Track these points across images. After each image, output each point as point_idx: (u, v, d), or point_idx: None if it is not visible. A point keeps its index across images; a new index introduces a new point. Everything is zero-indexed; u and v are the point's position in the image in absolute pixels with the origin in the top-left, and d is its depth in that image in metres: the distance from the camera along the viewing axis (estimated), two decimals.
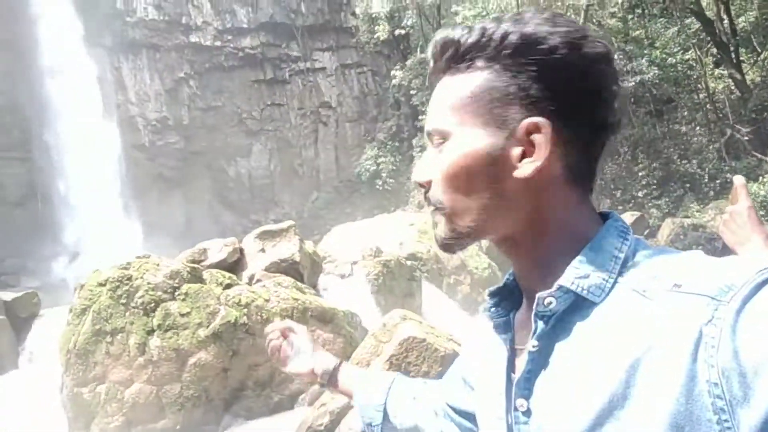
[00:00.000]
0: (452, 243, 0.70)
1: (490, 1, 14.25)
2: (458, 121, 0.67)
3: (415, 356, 5.49)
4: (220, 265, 7.75)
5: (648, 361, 0.54)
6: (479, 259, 11.94)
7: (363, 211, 22.17)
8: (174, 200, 25.53)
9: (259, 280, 7.64)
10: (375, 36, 21.62)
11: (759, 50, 14.80)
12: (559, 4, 12.96)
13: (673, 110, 15.82)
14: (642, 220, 13.64)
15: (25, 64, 21.58)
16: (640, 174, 15.17)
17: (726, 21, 14.58)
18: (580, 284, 0.62)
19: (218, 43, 24.70)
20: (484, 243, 11.81)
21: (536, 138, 0.64)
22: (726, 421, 0.51)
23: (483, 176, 0.66)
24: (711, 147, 14.36)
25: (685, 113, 15.51)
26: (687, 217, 12.99)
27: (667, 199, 14.22)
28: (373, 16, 20.95)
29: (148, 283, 6.32)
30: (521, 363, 0.66)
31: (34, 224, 21.82)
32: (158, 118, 24.78)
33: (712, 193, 13.50)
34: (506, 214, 0.67)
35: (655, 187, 14.75)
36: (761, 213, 11.78)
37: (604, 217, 0.69)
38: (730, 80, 14.27)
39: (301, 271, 8.18)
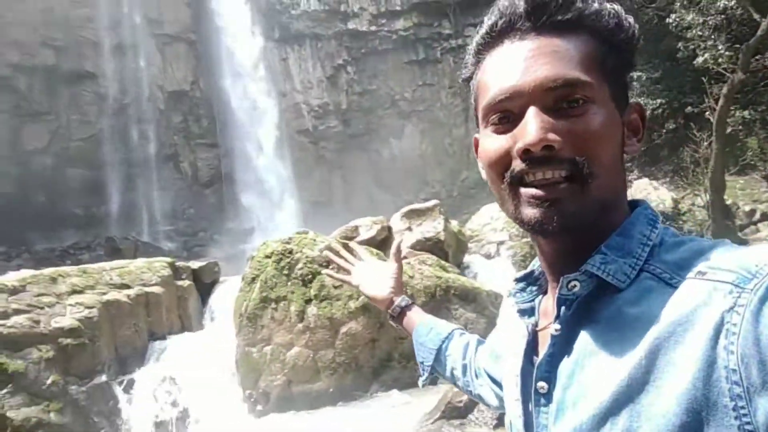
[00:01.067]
0: (583, 217, 0.63)
1: None
2: (596, 81, 0.64)
3: None
4: (370, 242, 8.16)
5: (668, 347, 0.55)
6: None
7: None
8: (334, 181, 27.32)
9: (405, 257, 7.90)
10: None
11: None
12: None
13: None
14: None
15: (211, 62, 24.57)
16: None
17: None
18: (605, 269, 0.61)
19: (373, 28, 25.59)
20: None
21: (636, 118, 0.67)
22: (743, 408, 0.51)
23: (619, 146, 0.66)
24: None
25: None
26: None
27: None
28: None
29: (306, 257, 6.90)
30: (544, 346, 0.67)
31: (220, 203, 24.99)
32: (320, 104, 26.57)
33: None
34: (618, 190, 0.67)
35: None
36: None
37: (634, 205, 0.69)
38: None
39: (446, 249, 8.27)
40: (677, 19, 13.75)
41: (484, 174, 0.73)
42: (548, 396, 0.65)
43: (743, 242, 11.44)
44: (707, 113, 11.73)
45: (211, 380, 6.36)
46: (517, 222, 0.67)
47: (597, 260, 0.62)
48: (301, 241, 7.25)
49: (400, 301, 1.21)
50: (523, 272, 0.77)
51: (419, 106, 26.75)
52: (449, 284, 6.79)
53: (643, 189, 13.19)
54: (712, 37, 12.74)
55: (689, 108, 16.09)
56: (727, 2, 11.77)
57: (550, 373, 0.65)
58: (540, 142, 0.62)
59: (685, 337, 0.54)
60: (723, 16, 12.56)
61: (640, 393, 0.55)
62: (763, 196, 13.49)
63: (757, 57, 10.77)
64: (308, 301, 6.75)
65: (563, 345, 0.64)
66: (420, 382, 1.18)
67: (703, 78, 12.98)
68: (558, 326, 0.65)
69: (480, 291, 6.83)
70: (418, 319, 1.19)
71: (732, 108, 11.57)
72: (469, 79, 0.75)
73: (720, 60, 11.00)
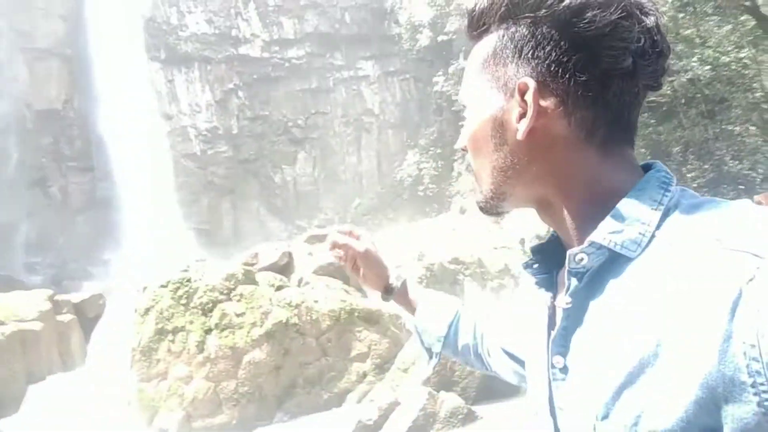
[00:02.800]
0: (483, 206, 0.72)
1: None
2: (473, 87, 0.70)
3: None
4: (271, 268, 8.10)
5: (683, 319, 0.52)
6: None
7: (405, 216, 22.37)
8: (223, 207, 26.46)
9: (307, 283, 7.95)
10: (418, 43, 21.85)
11: None
12: None
13: (726, 110, 15.30)
14: None
15: (88, 81, 22.91)
16: (689, 176, 14.75)
17: None
18: (614, 239, 0.59)
19: (266, 54, 25.54)
20: (529, 244, 11.64)
21: (527, 97, 0.63)
22: (762, 384, 0.48)
23: (491, 139, 0.67)
24: (765, 148, 13.83)
25: (739, 113, 14.96)
26: None
27: None
28: (416, 23, 21.17)
29: (206, 285, 6.70)
30: (559, 320, 0.66)
31: (95, 230, 23.06)
32: (209, 128, 25.79)
33: None
34: (521, 176, 0.66)
35: (706, 189, 14.31)
36: None
37: (647, 168, 0.65)
38: None
39: (348, 274, 8.44)
40: None
41: None
42: (564, 370, 0.64)
43: None
44: None
45: (101, 423, 5.89)
46: None
47: (603, 231, 0.60)
48: (200, 269, 7.03)
49: (395, 280, 1.13)
50: (539, 243, 0.75)
51: (312, 134, 26.97)
52: (353, 307, 6.95)
53: (523, 213, 14.40)
54: None
55: None
56: None
57: (564, 347, 0.64)
58: (456, 147, 0.75)
59: (700, 309, 0.51)
60: None
61: (654, 366, 0.53)
62: None
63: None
64: (208, 331, 6.55)
65: (577, 318, 0.63)
66: (429, 367, 1.16)
67: None
68: (569, 299, 0.63)
69: (382, 313, 7.06)
70: (417, 301, 1.12)
71: None
72: None
73: None
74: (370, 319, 7.00)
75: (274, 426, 6.35)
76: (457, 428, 4.80)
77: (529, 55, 0.64)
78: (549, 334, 0.68)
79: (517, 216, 14.59)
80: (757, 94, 14.90)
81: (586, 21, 0.61)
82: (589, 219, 0.63)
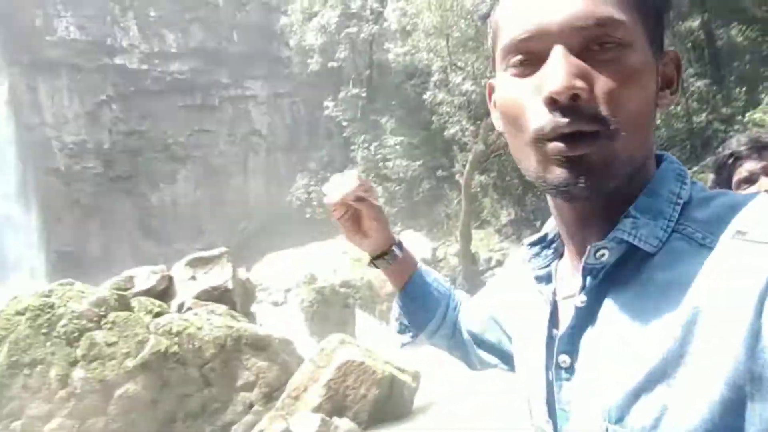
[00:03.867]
0: (613, 177, 0.55)
1: (421, 39, 14.94)
2: (636, 24, 0.56)
3: (353, 380, 5.59)
4: (148, 293, 7.50)
5: (707, 316, 0.49)
6: None
7: (294, 240, 21.98)
8: (90, 228, 24.18)
9: (189, 308, 7.46)
10: (308, 68, 21.94)
11: None
12: (487, 47, 13.81)
13: None
14: None
15: None
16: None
17: None
18: (636, 234, 0.56)
19: (145, 67, 24.10)
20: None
21: (672, 69, 0.60)
22: None
23: (652, 99, 0.58)
24: None
25: None
26: None
27: None
28: (306, 48, 21.29)
29: (72, 312, 6.02)
30: (565, 317, 0.62)
31: None
32: (76, 141, 23.62)
33: None
34: (649, 149, 0.60)
35: None
36: None
37: (658, 159, 0.62)
38: None
39: (234, 299, 8.06)
40: (431, 96, 16.23)
41: (499, 126, 0.64)
42: (570, 370, 0.61)
43: (485, 284, 13.68)
44: (457, 176, 13.92)
45: None
46: (539, 182, 0.58)
47: (628, 225, 0.56)
48: (65, 294, 6.31)
49: (398, 248, 0.99)
50: (536, 235, 0.71)
51: (195, 152, 25.75)
52: (241, 333, 6.63)
53: (410, 238, 14.83)
54: (457, 113, 15.36)
55: (440, 171, 18.87)
56: (468, 87, 14.37)
57: (572, 346, 0.60)
58: (567, 89, 0.52)
59: (725, 304, 0.49)
60: (464, 97, 15.29)
61: (676, 366, 0.50)
62: (496, 246, 16.33)
63: (491, 132, 13.31)
64: (74, 363, 5.86)
65: (588, 316, 0.59)
66: (400, 344, 1.05)
67: (452, 146, 15.46)
68: (584, 298, 0.59)
69: (271, 339, 6.81)
70: (409, 272, 1.01)
71: (475, 173, 13.92)
72: (486, 16, 0.65)
73: (466, 132, 13.27)
74: (259, 345, 6.71)
75: None
76: None
77: (664, 19, 0.61)
78: (550, 331, 0.64)
79: (403, 241, 14.97)
80: None
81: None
82: (618, 209, 0.58)
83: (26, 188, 21.75)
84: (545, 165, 0.56)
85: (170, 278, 8.23)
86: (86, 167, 23.96)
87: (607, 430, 0.55)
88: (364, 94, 21.72)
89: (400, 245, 1.00)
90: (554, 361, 0.62)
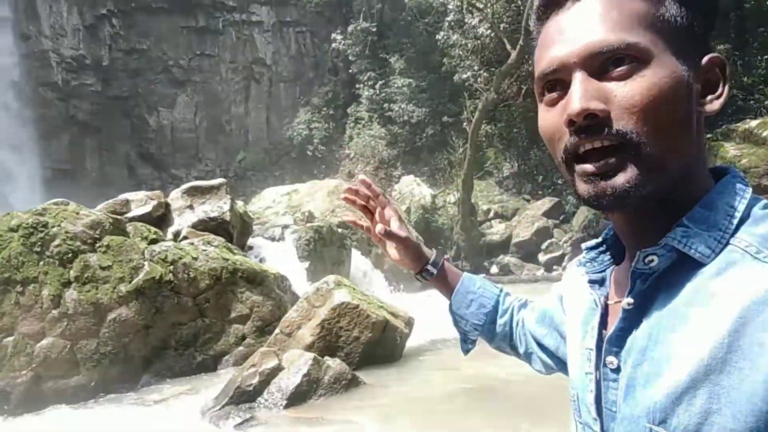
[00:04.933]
0: (640, 190, 0.59)
1: None
2: (655, 41, 0.59)
3: (347, 322, 5.59)
4: (144, 219, 7.39)
5: (755, 326, 0.51)
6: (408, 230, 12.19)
7: (292, 175, 21.82)
8: (87, 147, 23.84)
9: (185, 238, 7.38)
10: None
11: None
12: None
13: None
14: (559, 206, 14.48)
15: None
16: None
17: None
18: (688, 243, 0.58)
19: None
20: (413, 215, 11.88)
21: (716, 74, 0.61)
22: None
23: (683, 108, 0.59)
24: None
25: None
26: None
27: None
28: None
29: (67, 232, 5.92)
30: (614, 320, 0.64)
31: None
32: (74, 56, 22.87)
33: None
34: (687, 158, 0.61)
35: None
36: None
37: (720, 172, 0.64)
38: None
39: (231, 231, 7.98)
40: (444, 38, 15.60)
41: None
42: (617, 371, 0.63)
43: (482, 235, 13.68)
44: (464, 123, 13.59)
45: None
46: (576, 198, 0.64)
47: (678, 233, 0.58)
48: (59, 214, 6.19)
49: (435, 258, 1.08)
50: (594, 241, 0.73)
51: (195, 77, 25.05)
52: (236, 267, 6.58)
53: (409, 184, 14.67)
54: (470, 58, 14.81)
55: (446, 117, 18.46)
56: (484, 31, 13.79)
57: (620, 348, 0.62)
58: (581, 111, 0.58)
59: None
60: (479, 41, 14.71)
61: (721, 373, 0.52)
62: (495, 198, 16.25)
63: (506, 81, 12.89)
64: (67, 284, 5.82)
65: (635, 319, 0.61)
66: (463, 351, 1.12)
67: (461, 92, 15.02)
68: (631, 300, 0.61)
69: (268, 274, 6.78)
70: (454, 283, 1.08)
71: (483, 121, 13.60)
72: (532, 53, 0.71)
73: (479, 78, 12.84)
74: (254, 279, 6.69)
75: (140, 391, 5.88)
76: (341, 393, 4.77)
77: (706, 32, 0.62)
78: (600, 333, 0.67)
79: (405, 186, 14.83)
80: None
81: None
82: (670, 219, 0.61)
83: (21, 99, 21.20)
84: (575, 182, 0.62)
85: (167, 205, 8.10)
86: (84, 83, 23.34)
87: (650, 431, 0.57)
88: (374, 29, 20.91)
89: (435, 264, 1.07)
90: (602, 361, 0.65)
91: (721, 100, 0.61)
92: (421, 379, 5.38)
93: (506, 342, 1.06)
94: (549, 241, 13.53)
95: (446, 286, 1.08)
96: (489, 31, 13.79)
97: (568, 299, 0.83)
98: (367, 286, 9.03)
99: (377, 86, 20.36)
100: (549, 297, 0.95)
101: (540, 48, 0.65)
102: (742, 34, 13.81)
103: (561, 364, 0.92)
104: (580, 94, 0.58)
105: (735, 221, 0.58)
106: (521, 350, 1.03)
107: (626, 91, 0.58)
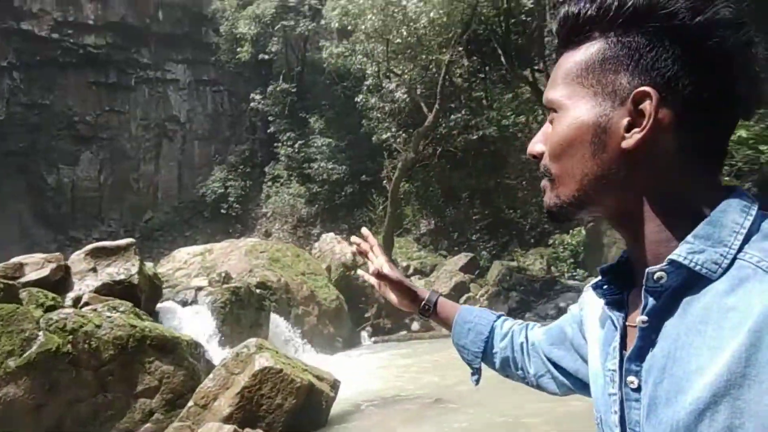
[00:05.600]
0: (555, 211, 0.71)
1: (362, 41, 14.77)
2: (569, 92, 0.68)
3: (270, 388, 5.28)
4: (41, 284, 6.72)
5: None
6: (328, 290, 12.00)
7: (205, 235, 21.00)
8: None
9: (87, 304, 6.77)
10: (237, 56, 21.10)
11: None
12: (424, 57, 13.95)
13: (505, 165, 17.74)
14: (474, 261, 14.93)
15: None
16: (474, 219, 16.67)
17: None
18: (694, 259, 0.60)
19: (56, 36, 22.08)
20: (334, 274, 11.75)
21: (644, 107, 0.62)
22: None
23: (590, 145, 0.65)
24: (533, 201, 16.34)
25: (514, 169, 17.49)
26: (512, 260, 14.54)
27: (495, 243, 15.80)
28: (238, 36, 20.47)
29: None
30: (632, 340, 0.66)
31: None
32: None
33: (532, 240, 15.33)
34: (613, 186, 0.65)
35: (486, 232, 16.32)
36: (570, 260, 13.65)
37: (729, 192, 0.65)
38: None
39: (139, 295, 7.43)
40: (363, 100, 16.13)
41: None
42: (638, 390, 0.64)
43: None
44: (384, 182, 13.89)
45: None
46: None
47: (683, 250, 0.61)
48: None
49: (429, 297, 1.17)
50: (608, 264, 0.75)
51: (102, 133, 23.89)
52: (145, 334, 6.08)
53: (329, 242, 14.58)
54: (387, 120, 15.37)
55: (365, 176, 18.81)
56: (401, 95, 14.42)
57: (639, 368, 0.64)
58: (528, 153, 0.74)
59: None
60: (396, 105, 15.34)
61: (741, 387, 0.53)
62: (414, 255, 16.49)
63: (423, 142, 13.42)
64: None
65: (652, 338, 0.63)
66: (473, 382, 1.13)
67: (380, 151, 15.43)
68: (645, 318, 0.63)
69: (179, 341, 6.32)
70: (452, 316, 1.15)
71: (402, 180, 13.97)
72: None
73: (398, 139, 13.28)
74: (165, 347, 6.20)
75: None
76: None
77: (648, 65, 0.62)
78: (621, 355, 0.68)
79: (325, 244, 14.72)
80: (527, 155, 17.63)
81: (716, 40, 0.61)
82: (671, 237, 0.64)
83: None
84: None
85: (67, 268, 7.45)
86: None
87: None
88: (294, 90, 21.23)
89: (430, 301, 1.16)
90: (623, 382, 0.66)
91: (641, 134, 0.62)
92: None
93: (511, 367, 1.07)
94: (467, 295, 13.81)
95: (446, 319, 1.16)
96: (405, 95, 14.43)
97: (587, 322, 0.85)
98: (287, 349, 8.67)
99: (296, 145, 20.48)
100: (565, 319, 0.97)
101: None
102: None
103: (579, 385, 0.94)
104: (533, 140, 0.74)
105: (741, 237, 0.60)
106: (531, 372, 1.03)
107: (548, 136, 0.71)
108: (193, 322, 7.74)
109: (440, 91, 11.91)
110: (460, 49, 14.48)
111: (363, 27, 13.34)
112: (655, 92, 0.61)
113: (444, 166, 17.06)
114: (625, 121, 0.63)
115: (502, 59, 17.79)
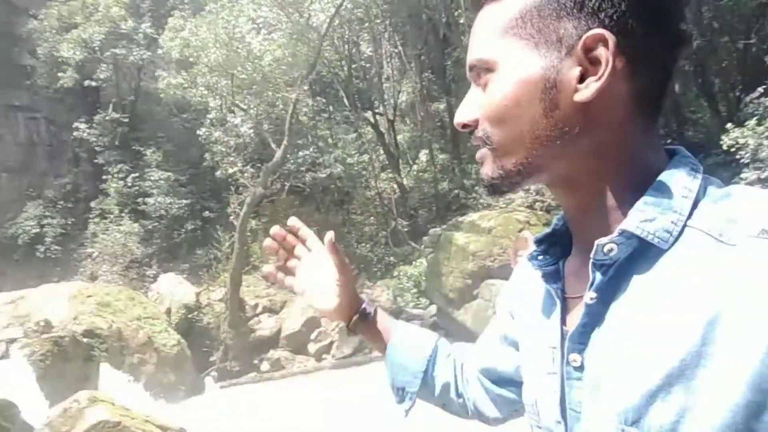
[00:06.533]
0: (499, 183, 0.63)
1: (205, 74, 14.29)
2: (504, 47, 0.60)
3: None
4: None
5: (730, 315, 0.49)
6: (168, 335, 11.14)
7: (14, 281, 18.14)
8: None
9: None
10: (59, 83, 19.05)
11: (411, 163, 18.72)
12: (270, 94, 13.96)
13: (351, 201, 18.35)
14: None
15: None
16: None
17: (392, 135, 18.10)
18: (646, 228, 0.55)
19: None
20: (174, 317, 11.00)
21: (599, 53, 0.56)
22: None
23: (538, 103, 0.58)
24: (379, 235, 17.06)
25: (360, 205, 18.17)
26: (360, 293, 14.89)
27: None
28: (60, 60, 18.53)
29: None
30: (575, 315, 0.62)
31: None
32: None
33: (379, 273, 15.92)
34: (565, 147, 0.59)
35: None
36: (414, 290, 14.44)
37: (671, 153, 0.61)
38: (394, 183, 17.53)
39: None
40: (206, 134, 15.59)
41: None
42: (580, 368, 0.60)
43: (252, 331, 13.27)
44: (231, 217, 13.44)
45: None
46: None
47: (635, 218, 0.56)
48: None
49: (363, 309, 1.00)
50: (543, 233, 0.70)
51: None
52: None
53: (169, 283, 13.62)
54: (232, 154, 15.03)
55: (207, 212, 18.04)
56: (247, 130, 14.24)
57: (584, 345, 0.59)
58: (457, 124, 0.65)
59: (750, 305, 0.48)
60: (241, 140, 15.09)
61: (696, 367, 0.49)
62: (263, 293, 16.07)
63: (272, 177, 13.31)
64: None
65: (599, 314, 0.58)
66: (404, 411, 0.96)
67: (225, 186, 14.97)
68: (594, 294, 0.58)
69: None
70: (391, 331, 0.99)
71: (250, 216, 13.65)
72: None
73: (245, 174, 13.01)
74: None
75: None
76: None
77: (595, 6, 0.56)
78: (561, 330, 0.64)
79: (164, 285, 13.69)
80: (372, 192, 18.45)
81: None
82: (619, 203, 0.59)
83: None
84: None
85: None
86: None
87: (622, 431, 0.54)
88: (126, 120, 19.70)
89: (369, 306, 1.01)
90: (564, 359, 0.62)
91: (598, 84, 0.56)
92: None
93: (450, 392, 0.94)
94: (318, 330, 13.80)
95: (383, 331, 1.00)
96: (251, 130, 14.27)
97: (519, 301, 0.78)
98: (124, 400, 7.82)
99: (129, 179, 18.93)
100: (493, 321, 0.89)
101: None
102: (457, 147, 17.04)
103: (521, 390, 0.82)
104: (461, 106, 0.66)
105: (690, 203, 0.56)
106: (469, 397, 0.93)
107: (482, 100, 0.63)
108: (5, 380, 6.64)
109: (288, 128, 12.04)
110: (306, 88, 14.84)
111: (206, 60, 13.02)
112: (611, 36, 0.55)
113: (292, 202, 17.08)
114: (577, 71, 0.57)
115: (345, 101, 18.65)
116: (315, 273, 1.01)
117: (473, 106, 0.64)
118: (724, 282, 0.50)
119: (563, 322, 0.64)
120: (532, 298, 0.71)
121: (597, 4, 0.56)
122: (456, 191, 16.90)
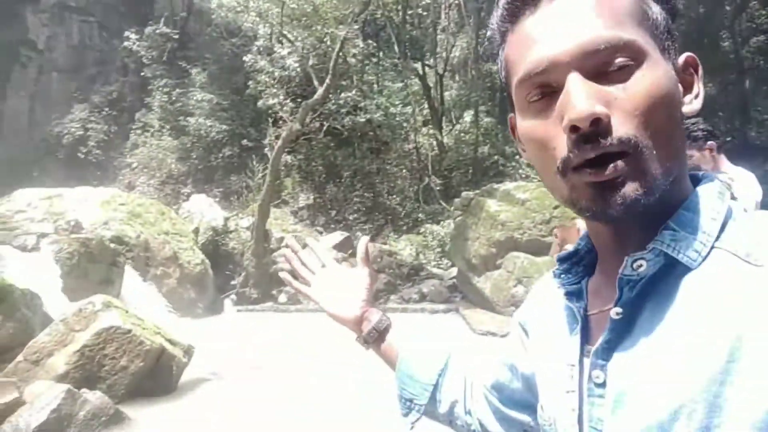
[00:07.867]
0: (651, 200, 0.55)
1: (251, 0, 13.98)
2: (644, 36, 0.56)
3: (115, 349, 4.89)
4: None
5: (756, 334, 0.48)
6: (193, 253, 11.41)
7: (56, 179, 18.78)
8: None
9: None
10: None
11: (454, 122, 18.27)
12: (319, 28, 13.61)
13: (387, 152, 18.13)
14: (349, 241, 15.13)
15: None
16: (354, 200, 16.86)
17: (439, 91, 17.60)
18: (676, 246, 0.55)
19: None
20: (201, 237, 11.18)
21: (695, 73, 0.61)
22: None
23: (679, 111, 0.58)
24: (411, 189, 16.91)
25: (396, 156, 17.96)
26: (384, 244, 14.96)
27: (371, 226, 16.13)
28: None
29: None
30: (598, 332, 0.61)
31: None
32: None
33: (405, 228, 15.89)
34: (684, 160, 0.60)
35: (363, 213, 16.59)
36: (438, 250, 14.38)
37: (695, 178, 0.62)
38: (434, 140, 17.18)
39: None
40: (251, 61, 15.41)
41: (526, 158, 0.64)
42: (602, 385, 0.59)
43: (274, 263, 13.51)
44: (266, 149, 13.45)
45: None
46: (574, 209, 0.59)
47: (666, 237, 0.56)
48: None
49: (378, 322, 1.00)
50: (566, 251, 0.70)
51: None
52: None
53: (200, 204, 13.85)
54: (275, 86, 14.89)
55: (245, 141, 18.12)
56: (293, 63, 14.01)
57: (606, 361, 0.58)
58: (588, 116, 0.52)
59: None
60: (287, 72, 14.89)
61: (722, 385, 0.49)
62: (290, 228, 16.29)
63: (310, 115, 13.18)
64: None
65: (623, 329, 0.58)
66: (409, 424, 0.95)
67: (264, 117, 14.91)
68: (620, 310, 0.57)
69: (13, 289, 5.62)
70: (402, 346, 0.99)
71: (284, 150, 13.65)
72: (494, 55, 0.66)
73: (284, 107, 12.90)
74: None
75: None
76: (99, 431, 4.09)
77: (672, 30, 0.60)
78: (582, 348, 0.63)
79: (196, 205, 13.95)
80: (411, 145, 18.19)
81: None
82: (655, 221, 0.58)
83: None
84: (577, 194, 0.57)
85: None
86: None
87: None
88: (176, 36, 19.64)
89: (386, 317, 1.02)
90: (587, 377, 0.61)
91: (700, 99, 0.60)
92: (194, 417, 4.93)
93: (462, 410, 0.92)
94: None
95: (390, 351, 1.00)
96: (297, 64, 14.04)
97: (536, 320, 0.76)
98: (142, 309, 8.11)
99: (173, 95, 19.04)
100: (509, 339, 0.85)
101: (517, 48, 0.60)
102: (504, 111, 16.51)
103: (531, 409, 0.81)
104: (584, 96, 0.53)
105: (719, 224, 0.56)
106: (476, 416, 0.91)
107: (627, 94, 0.54)
108: (31, 271, 6.91)
109: (333, 66, 11.76)
110: (356, 27, 14.41)
111: None
112: (695, 58, 0.61)
113: (328, 143, 16.98)
114: (679, 84, 0.59)
115: (396, 48, 18.10)
116: (335, 284, 1.07)
117: (607, 98, 0.54)
118: (751, 301, 0.50)
119: (586, 340, 0.64)
120: (550, 317, 0.71)
121: (671, 28, 0.59)
122: (496, 157, 16.49)
